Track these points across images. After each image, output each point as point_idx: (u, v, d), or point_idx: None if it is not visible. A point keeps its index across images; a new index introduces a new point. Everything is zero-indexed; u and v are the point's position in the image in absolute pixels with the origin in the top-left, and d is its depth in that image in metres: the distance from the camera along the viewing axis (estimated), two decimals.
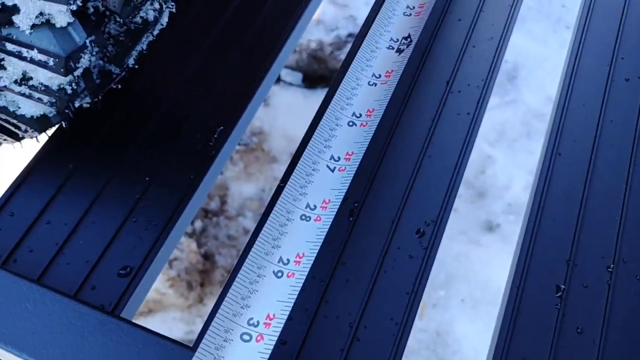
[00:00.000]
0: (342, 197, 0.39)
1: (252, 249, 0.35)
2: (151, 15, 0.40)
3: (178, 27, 0.50)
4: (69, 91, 0.35)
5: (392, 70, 0.43)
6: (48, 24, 0.32)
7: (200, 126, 0.46)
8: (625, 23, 0.54)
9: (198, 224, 0.92)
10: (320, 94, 0.99)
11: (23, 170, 0.43)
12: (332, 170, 0.39)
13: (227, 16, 0.52)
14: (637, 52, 0.53)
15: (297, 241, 0.36)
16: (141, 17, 0.39)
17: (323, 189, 0.38)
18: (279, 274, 0.34)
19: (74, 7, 0.32)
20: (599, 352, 0.38)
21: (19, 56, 0.31)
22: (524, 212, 0.45)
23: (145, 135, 0.45)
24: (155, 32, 0.40)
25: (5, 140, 0.40)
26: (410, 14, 0.48)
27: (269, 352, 0.32)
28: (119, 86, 0.40)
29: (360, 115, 0.41)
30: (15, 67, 0.33)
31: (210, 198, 0.94)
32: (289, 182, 0.38)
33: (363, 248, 0.42)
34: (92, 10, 0.33)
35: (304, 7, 0.54)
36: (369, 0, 0.68)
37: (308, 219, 0.36)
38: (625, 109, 0.49)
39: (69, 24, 0.32)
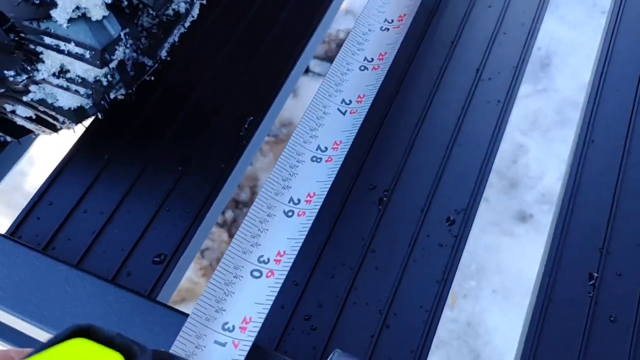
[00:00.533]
0: (352, 138, 0.38)
1: (262, 189, 0.34)
2: (182, 8, 0.40)
3: (208, 19, 0.51)
4: (105, 83, 0.36)
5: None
6: (84, 17, 0.33)
7: (231, 116, 0.47)
8: None
9: (229, 215, 0.93)
10: None
11: (61, 161, 0.45)
12: (344, 114, 0.39)
13: (256, 7, 0.52)
14: None
15: (308, 181, 0.35)
16: (173, 9, 0.40)
17: (334, 131, 0.38)
18: (290, 213, 0.34)
19: (109, 1, 0.33)
20: (633, 341, 0.38)
21: (57, 49, 0.32)
22: (556, 200, 0.45)
23: (177, 126, 0.46)
24: (187, 24, 0.41)
25: (43, 131, 0.42)
26: None
27: (279, 287, 0.32)
28: (152, 78, 0.41)
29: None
30: (53, 60, 0.34)
31: (241, 189, 0.95)
32: (298, 127, 0.38)
33: (392, 236, 0.42)
34: (125, 3, 0.34)
35: None
36: None
37: (319, 160, 0.36)
38: None
39: (104, 17, 0.33)
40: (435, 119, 0.47)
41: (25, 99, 0.38)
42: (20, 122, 0.41)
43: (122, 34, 0.32)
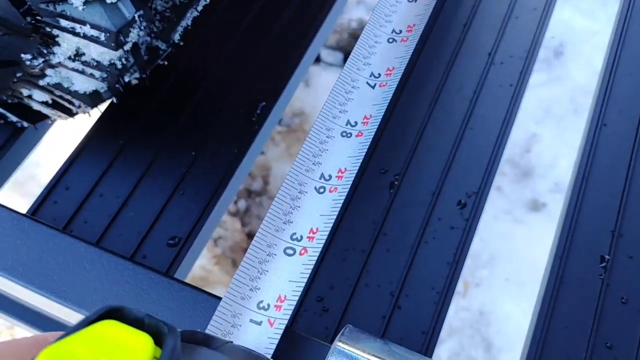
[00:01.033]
0: (382, 112, 0.37)
1: (292, 167, 0.34)
2: None
3: (221, 4, 0.51)
4: (119, 66, 0.36)
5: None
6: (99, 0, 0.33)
7: (243, 102, 0.47)
8: None
9: (242, 204, 0.94)
10: None
11: (77, 146, 0.45)
12: (373, 87, 0.38)
13: None
14: None
15: (338, 157, 0.35)
16: None
17: (364, 105, 0.37)
18: (321, 190, 0.33)
19: None
20: None
21: (72, 32, 0.33)
22: (568, 183, 0.45)
23: (190, 111, 0.47)
24: (200, 8, 0.41)
25: (59, 116, 0.42)
26: None
27: (312, 264, 0.31)
28: (166, 62, 0.42)
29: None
30: (69, 43, 0.34)
31: (253, 178, 0.96)
32: (326, 102, 0.37)
33: (404, 219, 0.42)
34: None
35: None
36: None
37: (349, 135, 0.35)
38: None
39: None
40: (447, 102, 0.47)
41: (41, 83, 0.38)
42: (36, 106, 0.42)
43: (136, 16, 0.33)
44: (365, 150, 0.35)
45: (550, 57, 1.01)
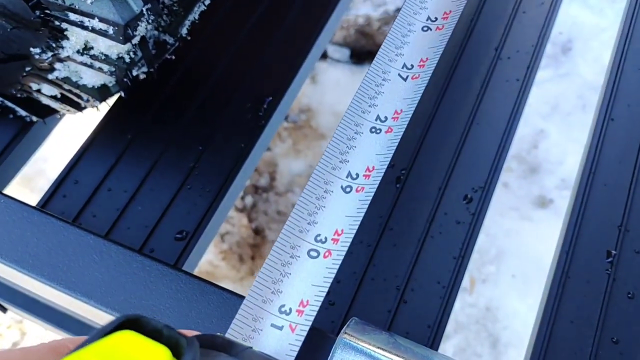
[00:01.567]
0: (413, 107, 0.35)
1: (318, 164, 0.32)
2: None
3: None
4: (127, 60, 0.37)
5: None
6: None
7: (250, 96, 0.48)
8: None
9: (248, 200, 0.94)
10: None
11: (86, 140, 0.46)
12: (405, 79, 0.35)
13: None
14: None
15: (366, 154, 0.32)
16: None
17: (395, 99, 0.34)
18: (348, 189, 0.31)
19: None
20: None
21: (81, 25, 0.33)
22: (575, 177, 0.45)
23: (197, 106, 0.47)
24: (207, 2, 0.41)
25: (68, 110, 0.43)
26: None
27: (337, 267, 0.30)
28: (173, 56, 0.42)
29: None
30: (77, 37, 0.35)
31: (260, 174, 0.96)
32: (355, 96, 0.35)
33: (410, 214, 0.42)
34: None
35: None
36: None
37: (378, 131, 0.33)
38: None
39: None
40: (454, 97, 0.47)
41: (50, 77, 0.39)
42: (45, 101, 0.42)
43: (144, 9, 0.33)
44: (395, 148, 0.33)
45: (558, 53, 1.01)
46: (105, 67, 0.36)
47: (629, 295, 0.39)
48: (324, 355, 0.29)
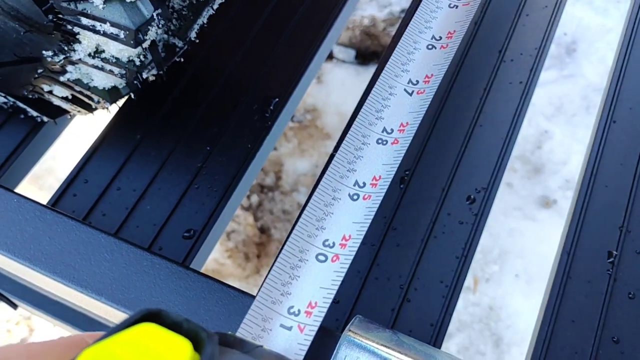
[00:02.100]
0: (419, 120, 0.36)
1: (327, 172, 0.33)
2: None
3: (236, 2, 0.52)
4: (137, 63, 0.37)
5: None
6: None
7: (257, 98, 0.48)
8: None
9: (254, 199, 0.95)
10: (373, 71, 0.99)
11: (96, 140, 0.47)
12: (410, 94, 0.37)
13: None
14: None
15: (373, 164, 0.34)
16: None
17: (400, 112, 0.36)
18: (355, 197, 0.33)
19: None
20: None
21: (93, 30, 0.34)
22: (577, 178, 0.45)
23: (205, 107, 0.48)
24: (215, 6, 0.42)
25: (79, 111, 0.44)
26: None
27: (344, 271, 0.31)
28: (182, 59, 0.43)
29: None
30: (89, 41, 0.35)
31: (266, 174, 0.97)
32: (363, 108, 0.36)
33: (414, 214, 0.43)
34: None
35: None
36: None
37: (384, 142, 0.35)
38: None
39: None
40: (457, 99, 0.47)
41: (62, 79, 0.39)
42: (56, 102, 0.43)
43: (154, 14, 0.34)
44: (401, 158, 0.34)
45: (563, 54, 1.01)
46: (116, 70, 0.37)
47: (630, 296, 0.39)
48: (328, 351, 0.30)
